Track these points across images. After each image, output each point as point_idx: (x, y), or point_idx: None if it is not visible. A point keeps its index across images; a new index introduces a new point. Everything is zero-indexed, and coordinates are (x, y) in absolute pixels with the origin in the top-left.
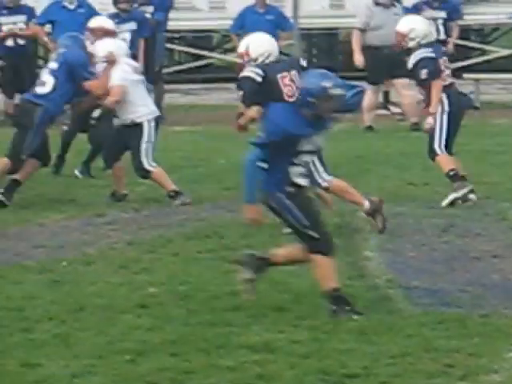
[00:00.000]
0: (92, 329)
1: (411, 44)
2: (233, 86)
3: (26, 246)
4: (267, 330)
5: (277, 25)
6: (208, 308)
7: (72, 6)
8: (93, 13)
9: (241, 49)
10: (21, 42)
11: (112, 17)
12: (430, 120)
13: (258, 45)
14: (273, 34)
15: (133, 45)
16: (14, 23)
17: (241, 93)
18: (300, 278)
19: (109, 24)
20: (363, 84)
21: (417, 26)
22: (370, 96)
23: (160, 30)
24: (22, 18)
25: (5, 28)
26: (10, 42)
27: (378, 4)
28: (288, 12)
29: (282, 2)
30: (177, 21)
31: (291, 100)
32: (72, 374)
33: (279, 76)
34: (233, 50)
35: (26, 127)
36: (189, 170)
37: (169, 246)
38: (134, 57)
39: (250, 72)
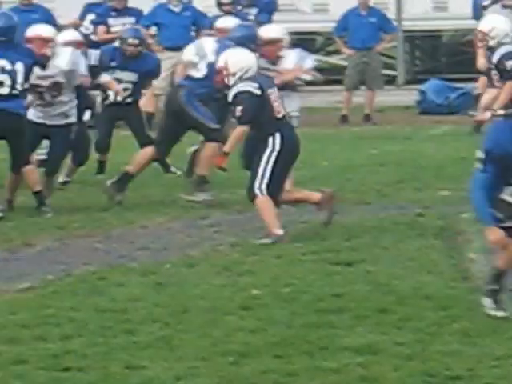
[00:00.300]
0: (195, 331)
1: (492, 42)
2: (337, 87)
3: (130, 248)
4: (371, 332)
5: (380, 27)
6: (311, 310)
7: (177, 9)
8: (197, 16)
9: (220, 63)
10: None
11: (215, 19)
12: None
13: (238, 59)
14: (375, 37)
15: None
16: (123, 25)
17: (238, 109)
18: (404, 280)
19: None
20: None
21: (498, 25)
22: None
23: None
24: (131, 20)
25: (114, 30)
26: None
27: (505, 7)
28: (391, 14)
29: (386, 5)
30: (280, 23)
31: (279, 116)
32: (175, 376)
33: (269, 91)
34: (336, 52)
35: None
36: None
37: (272, 248)
38: None
39: (248, 86)
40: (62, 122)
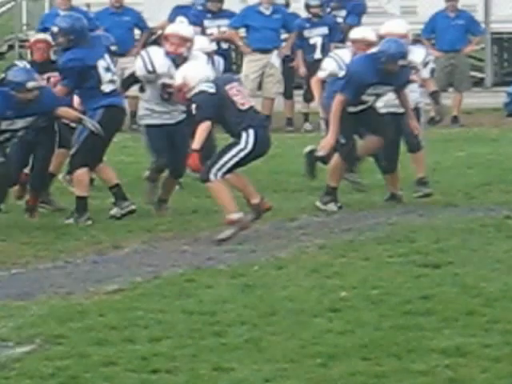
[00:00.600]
0: (284, 333)
1: None
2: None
3: (218, 250)
4: (459, 334)
5: (467, 29)
6: (399, 312)
7: (267, 12)
8: (287, 18)
9: (178, 82)
10: (224, 45)
11: (304, 22)
12: None
13: (195, 73)
14: (463, 39)
15: (324, 50)
16: (218, 27)
17: (193, 108)
18: (492, 282)
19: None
20: None
21: None
22: None
23: None
24: (226, 21)
25: (209, 32)
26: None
27: None
28: (479, 17)
29: (474, 7)
30: (369, 25)
31: (244, 108)
32: (264, 378)
33: (227, 87)
34: None
35: None
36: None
37: (360, 250)
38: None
39: (203, 86)
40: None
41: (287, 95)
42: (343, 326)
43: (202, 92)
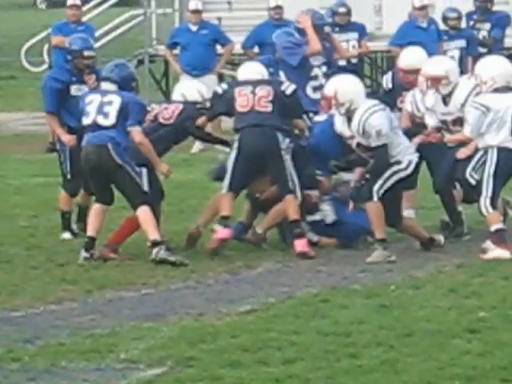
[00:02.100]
0: (421, 354)
1: None
2: None
3: (353, 270)
4: None
5: None
6: None
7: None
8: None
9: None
10: (353, 60)
11: (442, 33)
12: None
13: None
14: None
15: (461, 62)
16: (347, 41)
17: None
18: None
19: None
20: None
21: None
22: None
23: (496, 47)
24: (354, 35)
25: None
26: (342, 62)
27: None
28: None
29: None
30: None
31: (243, 110)
32: None
33: (237, 90)
34: None
35: None
36: None
37: (498, 269)
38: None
39: (218, 87)
40: None
41: None
42: (482, 348)
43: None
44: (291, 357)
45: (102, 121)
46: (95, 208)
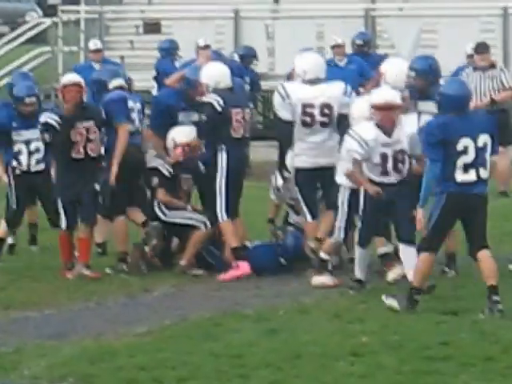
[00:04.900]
0: (307, 376)
1: None
2: None
3: (244, 296)
4: (477, 380)
5: None
6: (419, 357)
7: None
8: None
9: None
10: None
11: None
12: None
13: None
14: None
15: None
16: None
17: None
18: (509, 330)
19: None
20: None
21: None
22: None
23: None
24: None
25: None
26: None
27: None
28: None
29: None
30: None
31: (236, 136)
32: None
33: (234, 111)
34: None
35: None
36: None
37: (380, 296)
38: None
39: (212, 99)
40: None
41: None
42: (364, 370)
43: (208, 104)
44: (185, 376)
45: None
46: (121, 221)
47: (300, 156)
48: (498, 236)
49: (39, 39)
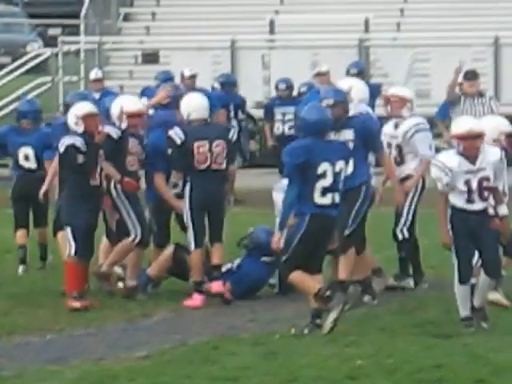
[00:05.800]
0: None
1: None
2: None
3: (242, 320)
4: None
5: None
6: (413, 380)
7: None
8: None
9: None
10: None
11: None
12: None
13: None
14: None
15: None
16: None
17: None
18: (500, 352)
19: None
20: None
21: None
22: None
23: None
24: None
25: None
26: None
27: None
28: None
29: None
30: None
31: (202, 167)
32: None
33: (196, 144)
34: None
35: None
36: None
37: (375, 320)
38: None
39: (172, 133)
40: None
41: None
42: None
43: (168, 138)
44: None
45: None
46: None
47: None
48: None
49: (40, 69)
